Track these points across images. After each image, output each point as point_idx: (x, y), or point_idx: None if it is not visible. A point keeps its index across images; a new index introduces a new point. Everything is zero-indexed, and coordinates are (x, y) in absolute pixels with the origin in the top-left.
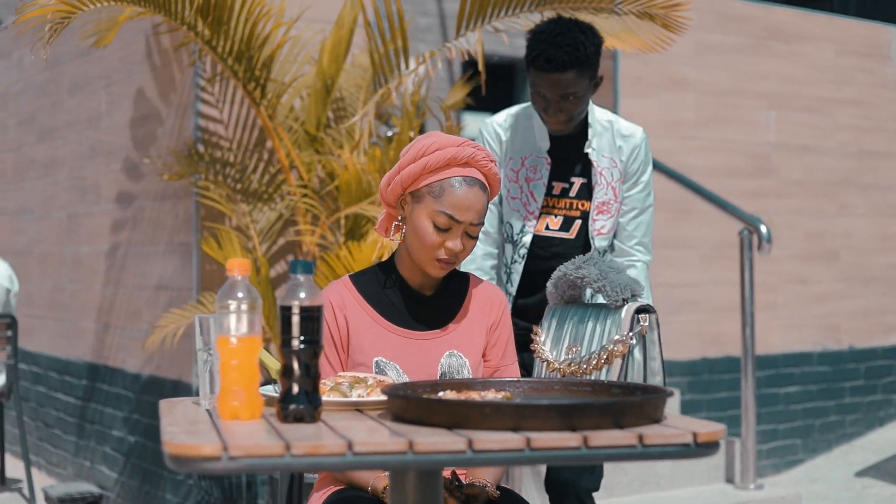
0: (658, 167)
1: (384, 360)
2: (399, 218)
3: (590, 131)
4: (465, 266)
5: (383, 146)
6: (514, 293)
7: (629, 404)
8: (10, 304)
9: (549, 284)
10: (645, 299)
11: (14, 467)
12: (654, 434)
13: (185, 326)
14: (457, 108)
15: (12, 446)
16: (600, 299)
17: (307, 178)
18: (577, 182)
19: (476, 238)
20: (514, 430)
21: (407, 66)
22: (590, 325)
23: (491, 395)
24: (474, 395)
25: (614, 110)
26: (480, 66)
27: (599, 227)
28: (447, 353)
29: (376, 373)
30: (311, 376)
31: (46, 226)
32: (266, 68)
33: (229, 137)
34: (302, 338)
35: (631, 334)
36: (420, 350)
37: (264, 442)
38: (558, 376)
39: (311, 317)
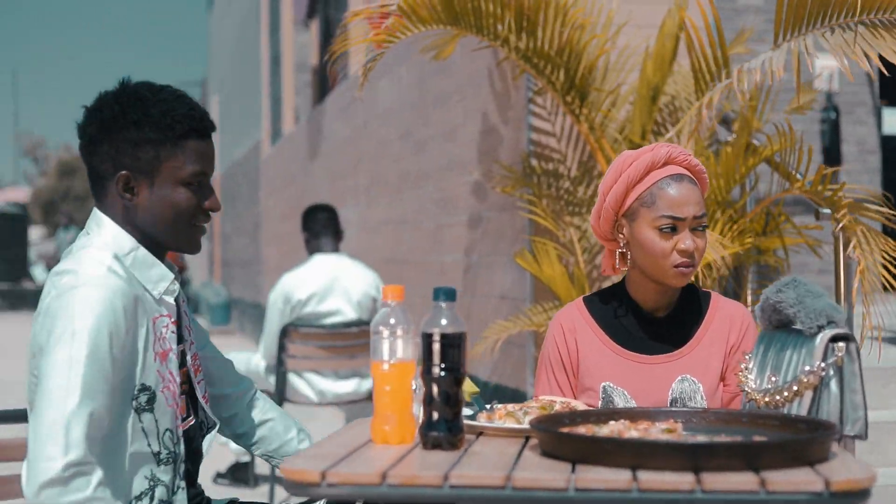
0: None
1: (612, 385)
2: (621, 246)
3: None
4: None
5: (718, 151)
6: None
7: (764, 446)
8: (377, 312)
9: (756, 308)
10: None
11: None
12: (780, 480)
13: (504, 337)
14: (804, 111)
15: None
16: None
17: None
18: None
19: (705, 231)
20: (632, 469)
21: (728, 75)
22: (788, 352)
23: (663, 427)
24: (645, 426)
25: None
26: (796, 77)
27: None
28: (679, 377)
29: (603, 398)
30: (451, 404)
31: (418, 235)
32: (586, 78)
33: (561, 150)
34: (442, 365)
35: (823, 364)
36: (650, 375)
37: (362, 470)
38: (755, 406)
39: (453, 344)
